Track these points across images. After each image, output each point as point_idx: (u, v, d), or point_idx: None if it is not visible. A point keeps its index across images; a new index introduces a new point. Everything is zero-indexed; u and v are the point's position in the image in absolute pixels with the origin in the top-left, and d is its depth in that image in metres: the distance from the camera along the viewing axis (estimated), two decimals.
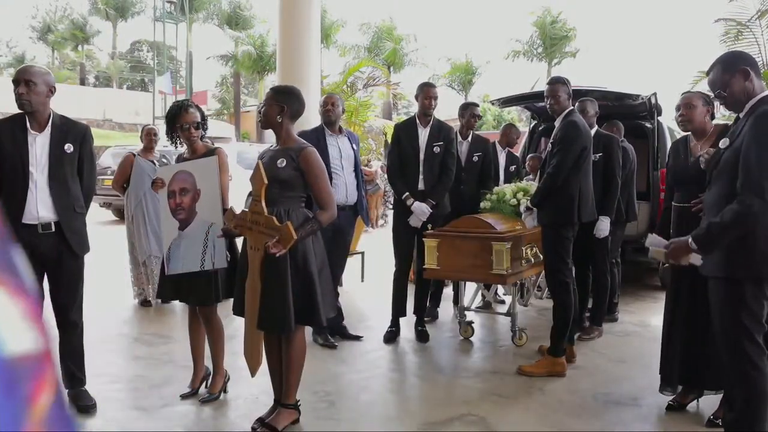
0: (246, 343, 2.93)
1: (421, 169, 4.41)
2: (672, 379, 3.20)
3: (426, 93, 4.46)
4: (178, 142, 3.33)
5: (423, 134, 4.44)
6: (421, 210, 4.31)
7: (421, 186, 4.40)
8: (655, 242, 2.70)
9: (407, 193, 4.36)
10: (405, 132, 4.52)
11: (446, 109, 20.93)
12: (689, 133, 3.24)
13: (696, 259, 2.46)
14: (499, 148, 5.70)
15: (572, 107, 3.82)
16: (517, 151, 6.39)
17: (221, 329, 3.34)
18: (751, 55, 2.65)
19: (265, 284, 2.76)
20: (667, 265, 2.58)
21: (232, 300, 3.02)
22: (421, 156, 4.40)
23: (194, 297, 3.25)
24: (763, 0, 8.95)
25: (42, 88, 2.90)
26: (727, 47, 9.30)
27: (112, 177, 5.73)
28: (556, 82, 3.79)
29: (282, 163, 2.82)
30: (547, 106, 3.84)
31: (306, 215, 2.85)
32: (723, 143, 2.50)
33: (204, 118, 3.32)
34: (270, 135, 3.02)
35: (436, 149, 4.41)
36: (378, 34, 29.98)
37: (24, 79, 2.86)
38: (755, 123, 2.30)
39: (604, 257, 4.62)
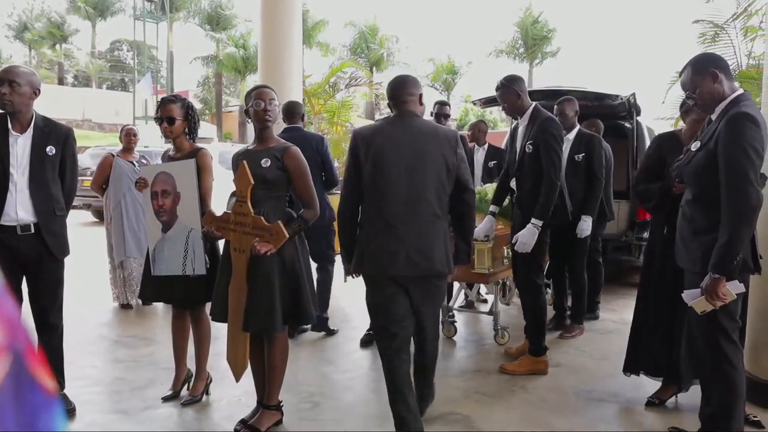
0: (230, 347, 2.89)
1: None
2: (641, 367, 3.30)
3: None
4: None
5: None
6: None
7: None
8: (691, 296, 2.43)
9: None
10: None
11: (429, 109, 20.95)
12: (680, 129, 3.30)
13: (735, 286, 2.33)
14: (475, 146, 5.67)
15: (534, 103, 3.68)
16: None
17: (209, 331, 3.30)
18: (723, 57, 2.66)
19: (252, 285, 2.74)
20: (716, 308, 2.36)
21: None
22: None
23: (184, 299, 3.20)
24: (739, 3, 9.09)
25: (26, 89, 2.85)
26: (704, 48, 9.43)
27: (91, 178, 5.64)
28: (500, 88, 3.64)
29: (266, 163, 2.80)
30: (504, 112, 3.80)
31: (290, 214, 2.85)
32: (694, 146, 2.53)
33: (189, 116, 3.17)
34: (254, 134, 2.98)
35: None
36: (362, 34, 29.98)
37: (8, 79, 2.81)
38: (728, 126, 2.31)
39: (582, 256, 4.65)
